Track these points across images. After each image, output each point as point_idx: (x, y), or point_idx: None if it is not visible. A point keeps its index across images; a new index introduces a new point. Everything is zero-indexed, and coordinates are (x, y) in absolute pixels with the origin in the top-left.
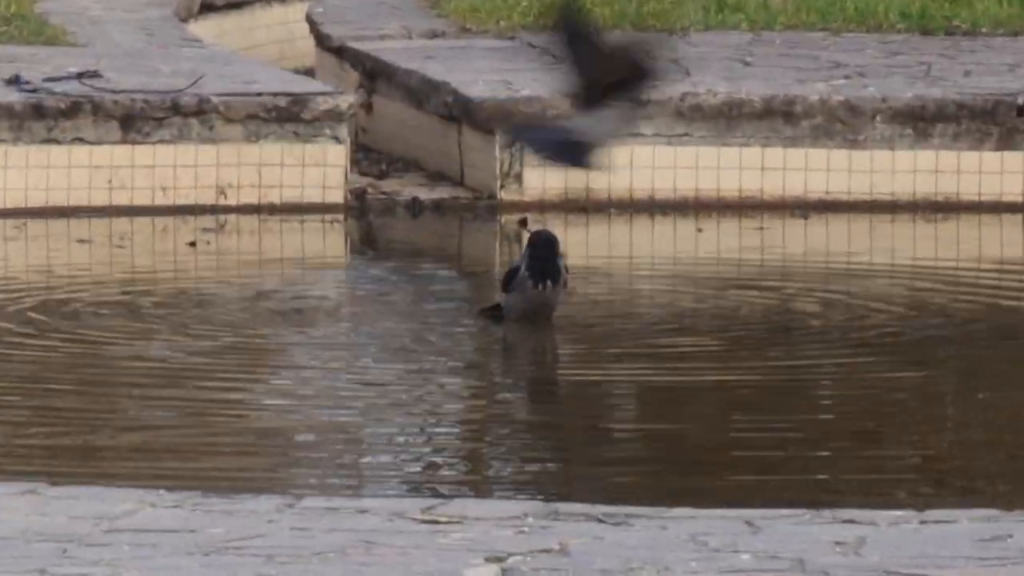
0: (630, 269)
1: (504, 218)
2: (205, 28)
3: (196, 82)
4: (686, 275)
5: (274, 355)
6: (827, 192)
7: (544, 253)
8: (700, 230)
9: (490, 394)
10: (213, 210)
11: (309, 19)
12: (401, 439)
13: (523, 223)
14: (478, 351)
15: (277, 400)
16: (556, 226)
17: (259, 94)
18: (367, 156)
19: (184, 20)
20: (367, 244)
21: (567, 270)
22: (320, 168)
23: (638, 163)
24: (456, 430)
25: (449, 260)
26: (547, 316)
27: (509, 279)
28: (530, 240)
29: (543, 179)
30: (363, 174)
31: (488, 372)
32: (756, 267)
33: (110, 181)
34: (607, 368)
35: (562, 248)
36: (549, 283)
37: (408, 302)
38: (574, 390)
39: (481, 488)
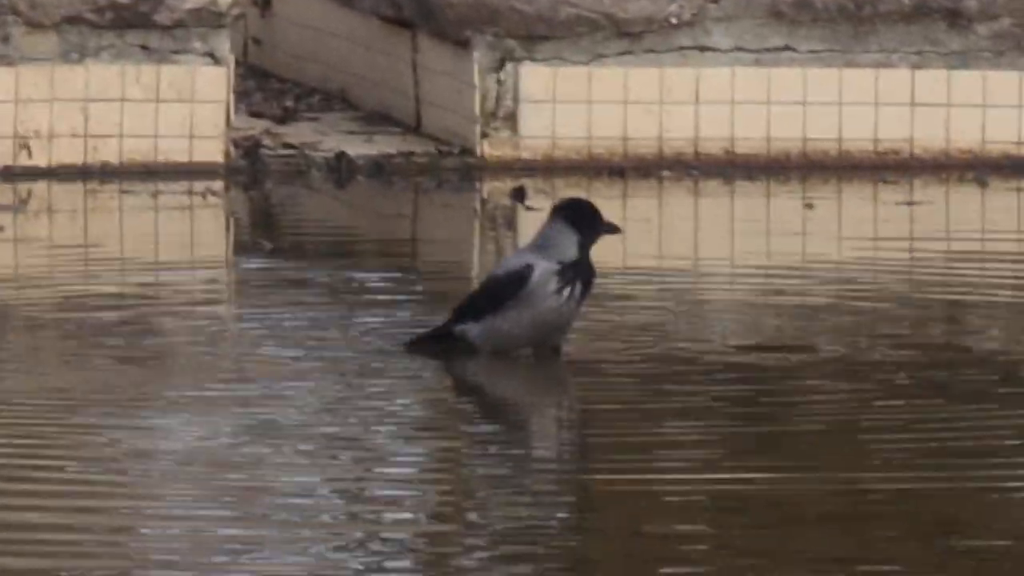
0: (694, 271)
1: (488, 187)
2: None
3: None
4: (786, 286)
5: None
6: (1020, 141)
7: (584, 230)
8: (809, 205)
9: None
10: (9, 175)
11: None
12: None
13: (519, 194)
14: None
15: None
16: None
17: None
18: (262, 85)
19: None
20: (261, 232)
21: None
22: (185, 106)
23: (707, 95)
24: None
25: (395, 257)
26: (556, 344)
27: (499, 289)
28: (556, 209)
29: (551, 121)
30: (255, 115)
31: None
32: (904, 268)
33: None
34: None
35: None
36: (579, 288)
37: (329, 348)
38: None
39: None
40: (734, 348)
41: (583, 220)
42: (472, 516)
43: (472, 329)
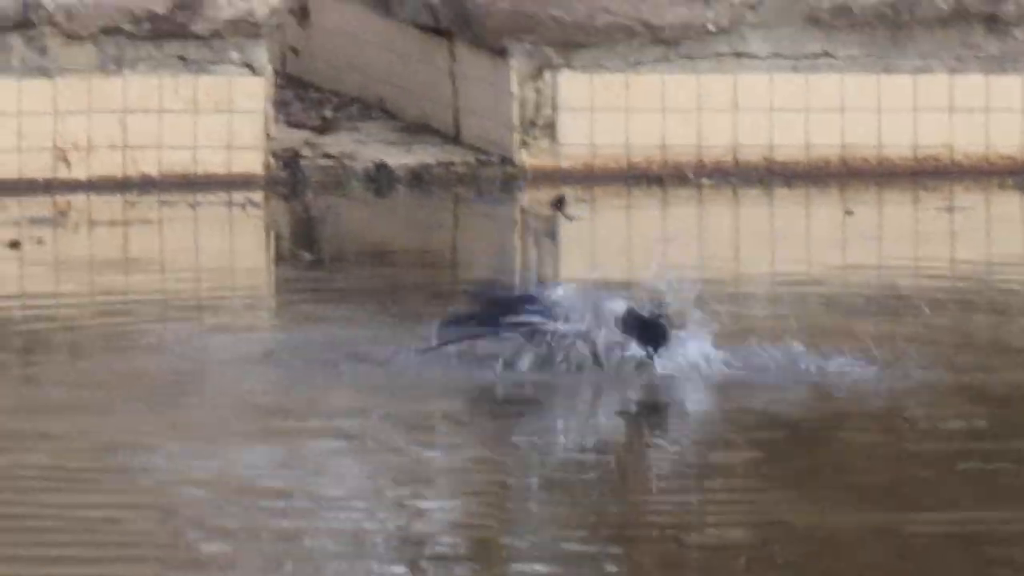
0: (741, 287)
1: (527, 196)
2: None
3: None
4: (834, 298)
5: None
6: None
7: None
8: (849, 212)
9: None
10: (48, 188)
11: None
12: None
13: (560, 204)
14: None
15: None
16: (614, 209)
17: None
18: (301, 95)
19: None
20: (301, 243)
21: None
22: (224, 116)
23: (747, 102)
24: None
25: (435, 268)
26: None
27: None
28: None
29: (590, 130)
30: (295, 125)
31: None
32: (950, 284)
33: None
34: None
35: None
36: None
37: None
38: None
39: None
40: None
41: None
42: None
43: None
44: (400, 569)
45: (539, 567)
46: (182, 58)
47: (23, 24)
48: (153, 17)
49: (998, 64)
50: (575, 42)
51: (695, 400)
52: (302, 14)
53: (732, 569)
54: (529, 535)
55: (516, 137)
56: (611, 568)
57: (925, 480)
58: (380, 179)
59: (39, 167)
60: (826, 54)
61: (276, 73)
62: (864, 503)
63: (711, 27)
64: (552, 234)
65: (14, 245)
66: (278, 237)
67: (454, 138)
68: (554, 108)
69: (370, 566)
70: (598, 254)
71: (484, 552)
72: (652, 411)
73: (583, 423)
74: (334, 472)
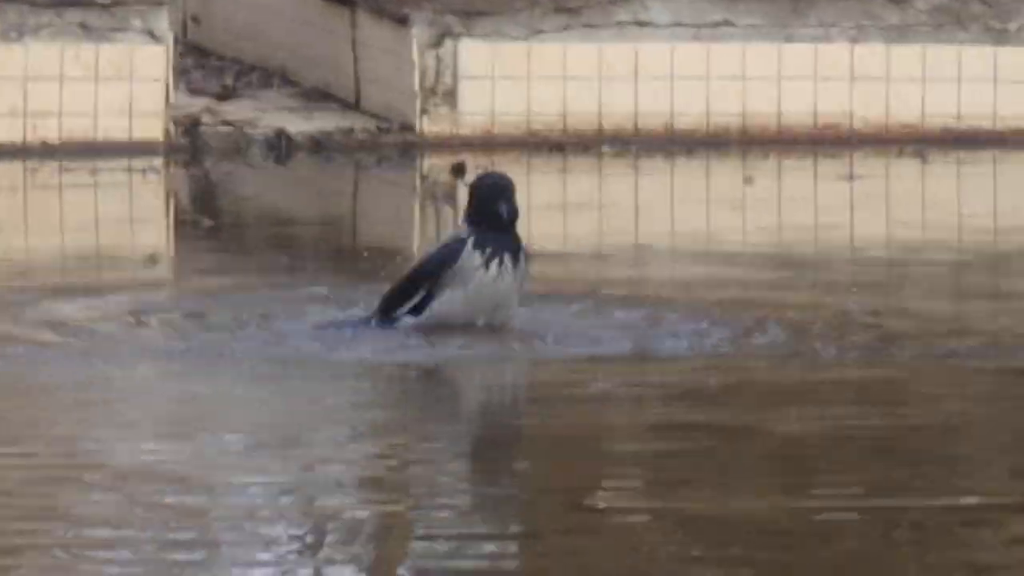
0: (640, 256)
1: (428, 163)
2: None
3: None
4: (744, 278)
5: None
6: (958, 116)
7: (496, 208)
8: (749, 180)
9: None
10: None
11: None
12: None
13: (460, 170)
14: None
15: None
16: (516, 174)
17: None
18: (202, 63)
19: None
20: (202, 209)
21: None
22: (125, 84)
23: (647, 71)
24: None
25: (335, 235)
26: (503, 320)
27: (430, 272)
28: (472, 188)
29: (491, 98)
30: (195, 93)
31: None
32: (847, 251)
33: None
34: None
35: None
36: (508, 261)
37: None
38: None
39: None
40: None
41: (490, 192)
42: None
43: (429, 310)
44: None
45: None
46: (83, 26)
47: None
48: None
49: (898, 33)
50: (476, 10)
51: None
52: None
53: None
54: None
55: (417, 105)
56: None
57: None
58: (280, 146)
59: None
60: (727, 23)
61: (177, 41)
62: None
63: None
64: (451, 193)
65: None
66: (178, 203)
67: (355, 106)
68: (455, 76)
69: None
70: None
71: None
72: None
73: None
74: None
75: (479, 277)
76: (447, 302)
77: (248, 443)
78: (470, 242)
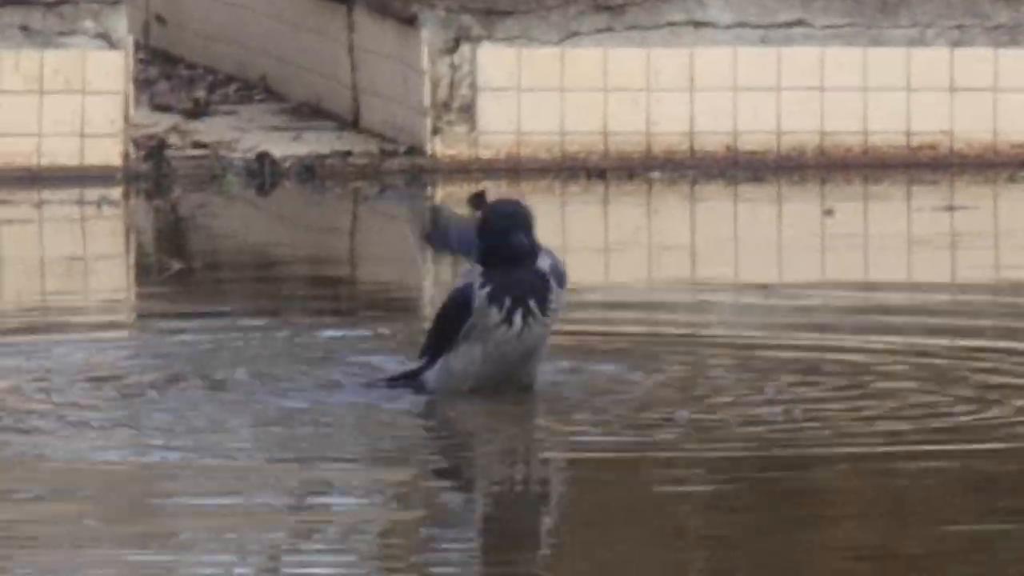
0: (697, 295)
1: (441, 193)
2: None
3: None
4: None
5: None
6: None
7: (509, 243)
8: (829, 212)
9: None
10: None
11: None
12: None
13: (479, 201)
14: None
15: None
16: (547, 205)
17: None
18: (169, 72)
19: None
20: (169, 249)
21: (559, 276)
22: (75, 98)
23: (704, 82)
24: None
25: (332, 284)
26: (527, 376)
27: (450, 323)
28: (481, 220)
29: (516, 114)
30: (160, 108)
31: None
32: (951, 306)
33: None
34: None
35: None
36: (534, 310)
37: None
38: None
39: None
40: None
41: (502, 225)
42: None
43: (440, 369)
44: None
45: None
46: (24, 28)
47: None
48: None
49: (1010, 35)
50: (499, 8)
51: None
52: None
53: None
54: None
55: (427, 122)
56: None
57: None
58: (263, 173)
59: None
60: (801, 23)
61: (138, 46)
62: None
63: None
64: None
65: None
66: (139, 242)
67: (352, 123)
68: (473, 88)
69: None
70: None
71: None
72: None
73: None
74: None
75: (500, 335)
76: (464, 357)
77: None
78: (483, 294)
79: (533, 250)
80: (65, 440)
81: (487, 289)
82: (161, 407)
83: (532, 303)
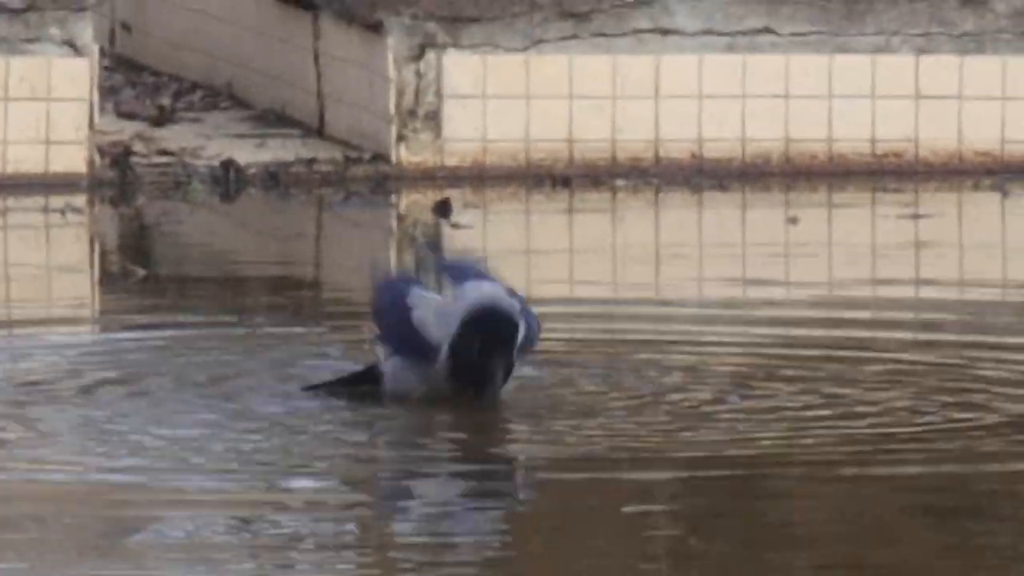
0: (663, 315)
1: (406, 200)
2: None
3: None
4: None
5: None
6: None
7: (484, 368)
8: (793, 220)
9: None
10: None
11: None
12: None
13: (444, 209)
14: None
15: None
16: (511, 217)
17: None
18: (134, 80)
19: None
20: (134, 256)
21: (531, 339)
22: (40, 105)
23: (669, 89)
24: None
25: (296, 288)
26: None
27: (407, 346)
28: (464, 325)
29: (482, 121)
30: (125, 116)
31: None
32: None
33: None
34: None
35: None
36: (488, 390)
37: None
38: None
39: None
40: None
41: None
42: None
43: (388, 369)
44: None
45: None
46: None
47: None
48: None
49: (975, 42)
50: (464, 16)
51: None
52: None
53: None
54: None
55: (393, 129)
56: None
57: None
58: (227, 180)
59: None
60: (767, 30)
61: (104, 53)
62: None
63: None
64: (434, 246)
65: None
66: (104, 249)
67: (318, 131)
68: (438, 95)
69: None
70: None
71: None
72: None
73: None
74: None
75: (449, 388)
76: (415, 371)
77: None
78: (447, 367)
79: (510, 368)
80: (8, 449)
81: (449, 367)
82: (111, 413)
83: (488, 387)
